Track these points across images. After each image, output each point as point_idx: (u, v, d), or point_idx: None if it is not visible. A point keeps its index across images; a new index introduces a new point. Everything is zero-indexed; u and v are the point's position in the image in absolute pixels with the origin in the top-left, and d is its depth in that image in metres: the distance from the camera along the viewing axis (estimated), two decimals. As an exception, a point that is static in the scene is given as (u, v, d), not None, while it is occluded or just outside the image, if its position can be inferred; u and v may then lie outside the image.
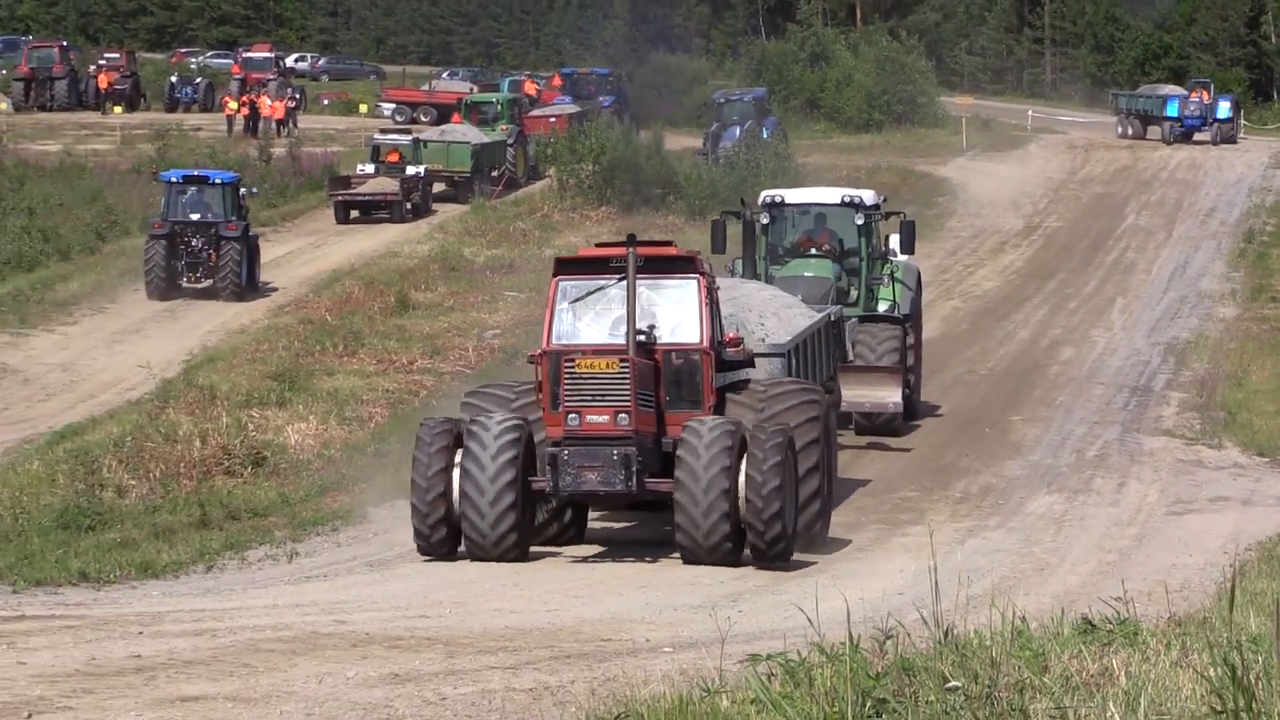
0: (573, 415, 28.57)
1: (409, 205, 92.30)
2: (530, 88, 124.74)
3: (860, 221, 45.72)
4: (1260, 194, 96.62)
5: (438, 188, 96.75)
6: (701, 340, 29.97)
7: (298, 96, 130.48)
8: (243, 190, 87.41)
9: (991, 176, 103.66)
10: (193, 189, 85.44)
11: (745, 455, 27.63)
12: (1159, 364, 66.30)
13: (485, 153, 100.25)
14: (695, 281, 30.03)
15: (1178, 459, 53.57)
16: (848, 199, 47.21)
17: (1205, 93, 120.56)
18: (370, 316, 73.44)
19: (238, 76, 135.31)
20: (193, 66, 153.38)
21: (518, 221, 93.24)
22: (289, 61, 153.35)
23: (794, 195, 50.02)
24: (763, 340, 35.30)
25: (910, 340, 46.99)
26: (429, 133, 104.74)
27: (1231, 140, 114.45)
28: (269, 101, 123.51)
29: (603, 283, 30.51)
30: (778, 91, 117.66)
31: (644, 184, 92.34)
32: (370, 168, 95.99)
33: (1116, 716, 9.45)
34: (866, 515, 43.30)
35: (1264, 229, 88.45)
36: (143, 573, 35.03)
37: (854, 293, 45.03)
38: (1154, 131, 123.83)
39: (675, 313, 30.26)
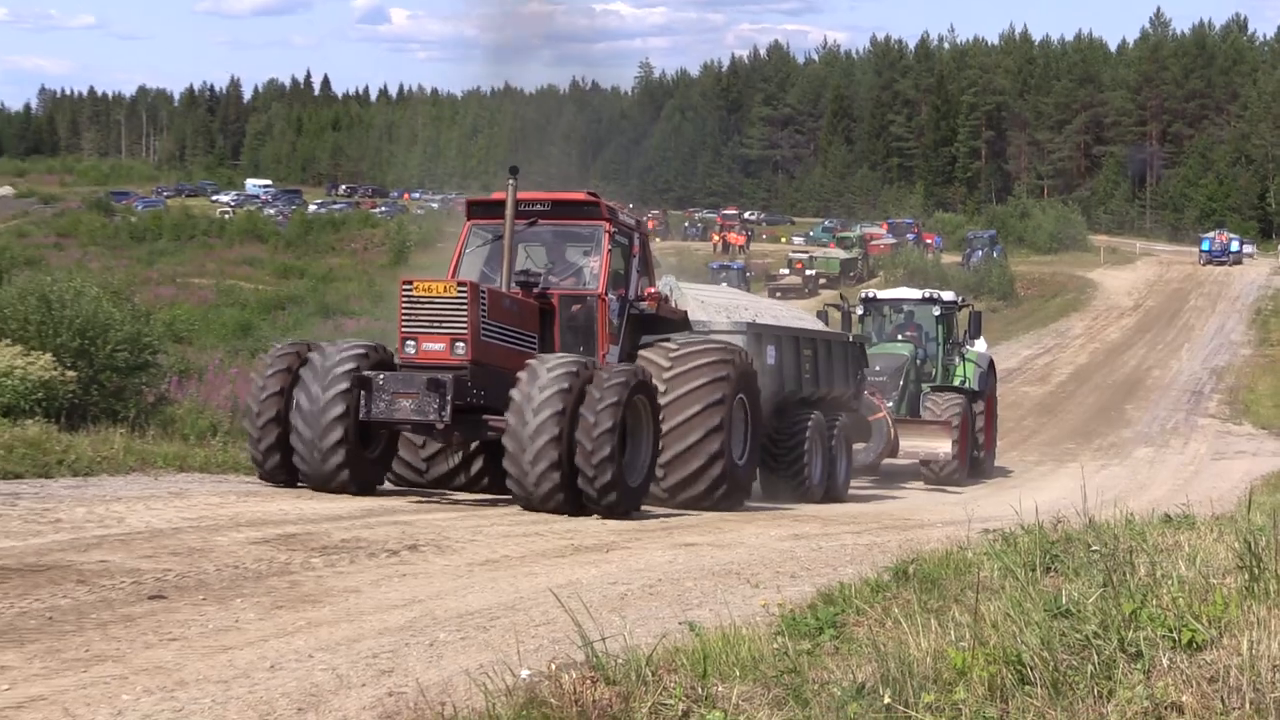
0: (409, 342, 18.06)
1: (806, 289, 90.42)
2: (880, 230, 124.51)
3: (938, 313, 37.59)
4: (1264, 289, 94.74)
5: (822, 281, 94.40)
6: (599, 287, 19.86)
7: (749, 233, 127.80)
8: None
9: (1116, 278, 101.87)
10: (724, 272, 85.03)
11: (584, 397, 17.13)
12: (1207, 379, 65.25)
13: (847, 263, 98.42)
14: (600, 229, 20.12)
15: (1216, 430, 53.19)
16: (928, 295, 39.29)
17: (1224, 235, 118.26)
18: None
19: (719, 223, 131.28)
20: (696, 216, 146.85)
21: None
22: (746, 215, 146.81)
23: (886, 293, 41.83)
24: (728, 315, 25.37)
25: (980, 411, 36.79)
26: (817, 252, 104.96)
27: (1239, 263, 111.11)
28: (734, 234, 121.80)
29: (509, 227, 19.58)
30: (1001, 232, 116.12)
31: (929, 280, 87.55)
32: (786, 270, 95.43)
33: (1182, 566, 9.18)
34: (1045, 456, 44.76)
35: (1266, 307, 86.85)
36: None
37: (932, 370, 36.88)
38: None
39: (575, 261, 20.63)
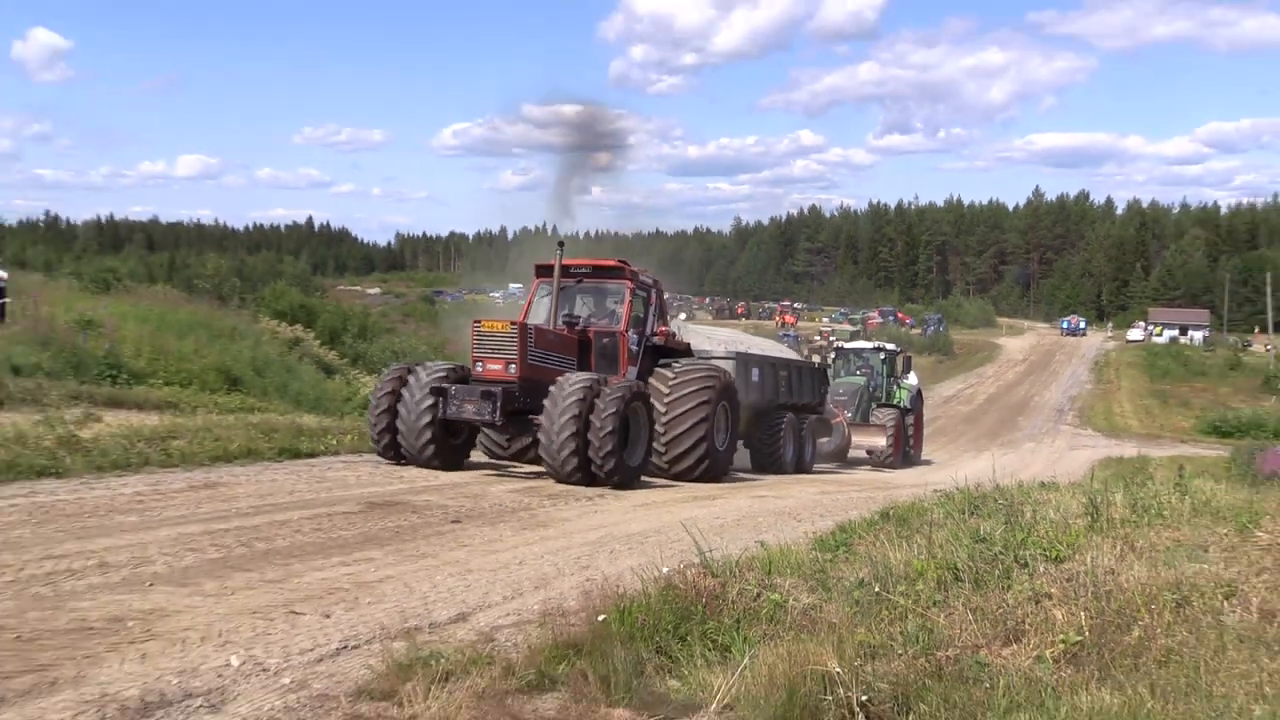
0: (479, 363, 15.88)
1: (828, 349, 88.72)
2: (874, 315, 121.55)
3: (883, 357, 34.46)
4: (1100, 350, 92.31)
5: (838, 344, 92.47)
6: (621, 326, 17.49)
7: (797, 315, 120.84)
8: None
9: (1013, 342, 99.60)
10: (785, 338, 70.93)
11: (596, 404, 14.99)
12: (1065, 403, 63.43)
13: (854, 334, 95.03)
14: (624, 286, 17.73)
15: (1071, 433, 51.68)
16: (876, 346, 36.09)
17: (1076, 319, 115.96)
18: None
19: (779, 310, 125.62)
20: (765, 306, 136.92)
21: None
22: (794, 305, 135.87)
23: (849, 345, 38.06)
24: (725, 346, 22.85)
25: (911, 423, 33.33)
26: (836, 327, 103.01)
27: (1084, 335, 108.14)
28: (789, 316, 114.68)
29: (560, 284, 17.42)
30: (945, 315, 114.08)
31: (902, 343, 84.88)
32: (818, 338, 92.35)
33: (1051, 512, 9.03)
34: (968, 447, 43.01)
35: (1100, 360, 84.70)
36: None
37: (880, 394, 33.27)
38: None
39: (609, 308, 17.89)
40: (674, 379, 16.93)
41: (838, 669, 5.29)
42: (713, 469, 16.99)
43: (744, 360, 21.25)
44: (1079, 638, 5.94)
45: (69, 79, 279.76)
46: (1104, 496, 9.63)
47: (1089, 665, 5.69)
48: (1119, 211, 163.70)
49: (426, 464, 15.56)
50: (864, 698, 5.16)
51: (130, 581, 7.86)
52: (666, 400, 16.59)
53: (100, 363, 22.88)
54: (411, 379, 16.01)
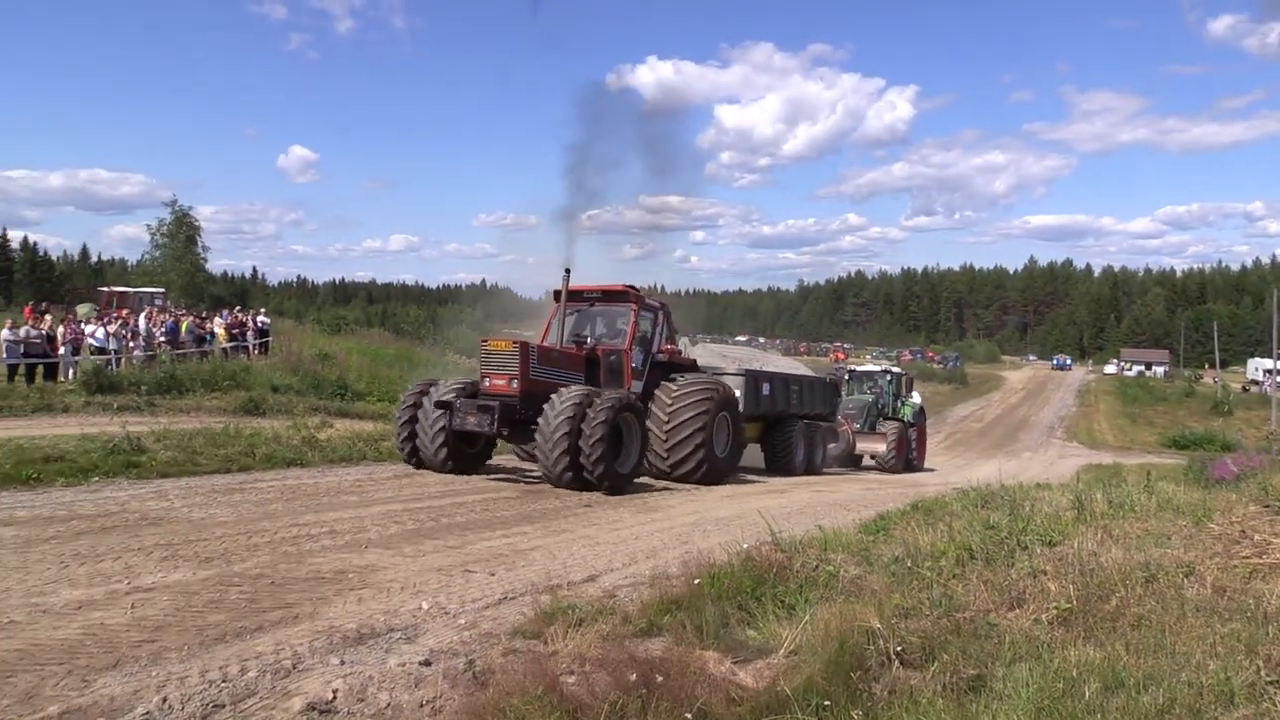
0: (486, 379, 13.03)
1: None
2: (906, 353, 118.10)
3: (889, 379, 30.57)
4: (1084, 382, 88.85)
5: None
6: (625, 344, 14.54)
7: (846, 353, 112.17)
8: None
9: (1014, 376, 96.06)
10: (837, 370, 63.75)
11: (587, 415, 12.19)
12: (1056, 422, 60.72)
13: (891, 363, 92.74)
14: (630, 309, 14.88)
15: (1060, 446, 49.34)
16: (883, 369, 31.98)
17: (1063, 356, 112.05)
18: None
19: (832, 349, 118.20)
20: (822, 346, 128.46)
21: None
22: (844, 345, 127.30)
23: (860, 367, 33.57)
24: (738, 365, 19.95)
25: (914, 436, 29.18)
26: (859, 363, 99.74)
27: (1069, 369, 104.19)
28: (840, 354, 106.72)
29: (576, 307, 15.15)
30: (961, 353, 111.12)
31: (928, 376, 79.74)
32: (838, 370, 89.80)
33: (1046, 506, 8.69)
34: (980, 456, 40.95)
35: (1084, 389, 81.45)
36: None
37: (886, 409, 29.37)
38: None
39: (619, 328, 14.89)
40: (676, 391, 14.44)
41: (878, 625, 5.18)
42: (712, 472, 14.27)
43: (753, 376, 18.21)
44: (1069, 605, 5.71)
45: (316, 181, 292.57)
46: (1087, 495, 9.21)
47: (1076, 627, 5.47)
48: (1096, 274, 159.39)
49: (442, 469, 13.14)
50: (899, 648, 5.04)
51: (351, 544, 8.03)
52: (668, 410, 14.19)
53: (333, 384, 23.59)
54: (428, 394, 13.55)
